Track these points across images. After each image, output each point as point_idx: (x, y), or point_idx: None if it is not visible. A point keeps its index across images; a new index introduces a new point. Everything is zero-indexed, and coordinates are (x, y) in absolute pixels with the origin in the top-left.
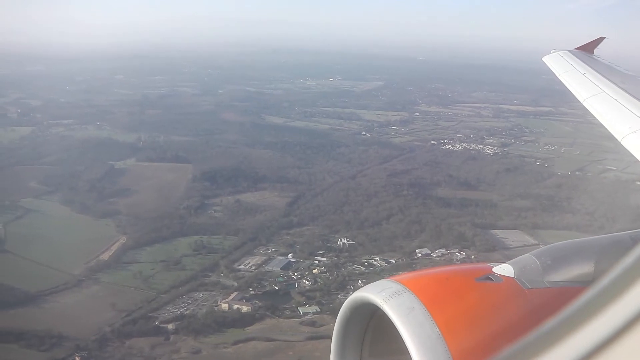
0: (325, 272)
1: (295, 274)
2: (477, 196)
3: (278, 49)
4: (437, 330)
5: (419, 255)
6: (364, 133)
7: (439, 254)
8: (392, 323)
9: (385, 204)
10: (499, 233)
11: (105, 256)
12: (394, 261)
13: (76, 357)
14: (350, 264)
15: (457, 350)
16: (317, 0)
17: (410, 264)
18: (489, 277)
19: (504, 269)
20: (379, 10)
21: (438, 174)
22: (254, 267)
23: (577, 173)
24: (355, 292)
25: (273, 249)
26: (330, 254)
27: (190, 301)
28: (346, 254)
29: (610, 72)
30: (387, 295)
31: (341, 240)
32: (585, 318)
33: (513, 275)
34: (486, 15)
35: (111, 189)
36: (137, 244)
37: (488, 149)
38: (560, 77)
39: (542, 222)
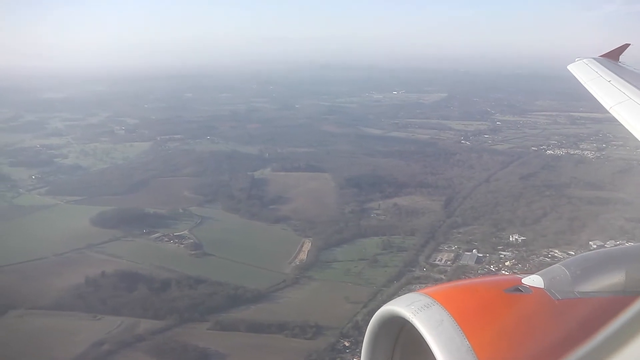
0: (517, 264)
1: (491, 266)
2: (609, 195)
3: (325, 65)
4: (467, 343)
5: (594, 246)
6: (463, 141)
7: (611, 245)
8: (421, 336)
9: (535, 203)
10: None
11: (302, 256)
12: (573, 253)
13: (345, 343)
14: (535, 256)
15: None
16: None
17: None
18: (518, 288)
19: (533, 280)
20: (405, 25)
21: (561, 177)
22: (449, 262)
23: None
24: (383, 306)
25: (455, 246)
26: (510, 249)
27: None
28: (524, 248)
29: (636, 79)
30: (416, 309)
31: (512, 236)
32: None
33: (543, 286)
34: (520, 21)
35: (266, 197)
36: (326, 245)
37: (587, 154)
38: (585, 85)
39: None
